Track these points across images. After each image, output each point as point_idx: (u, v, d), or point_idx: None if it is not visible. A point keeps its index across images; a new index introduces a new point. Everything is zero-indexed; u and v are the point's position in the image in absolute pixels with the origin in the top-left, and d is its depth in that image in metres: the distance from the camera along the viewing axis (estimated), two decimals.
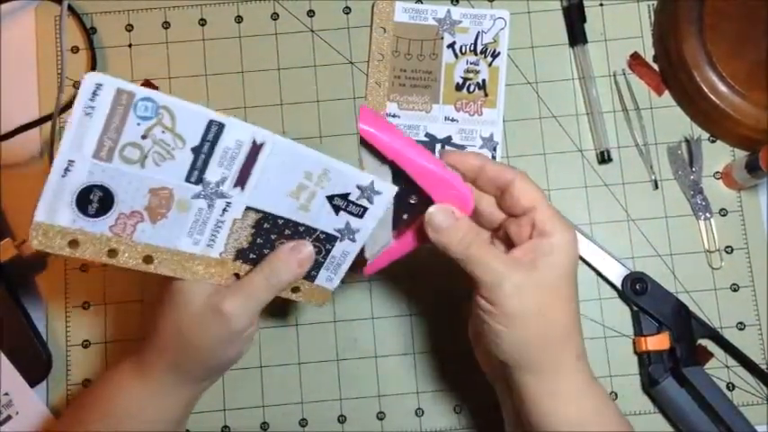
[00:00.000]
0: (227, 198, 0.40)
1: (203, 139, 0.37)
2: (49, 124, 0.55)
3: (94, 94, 0.34)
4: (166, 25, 0.58)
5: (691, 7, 0.55)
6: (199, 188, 0.39)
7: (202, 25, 0.58)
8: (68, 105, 0.56)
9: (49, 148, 0.55)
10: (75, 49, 0.58)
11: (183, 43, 0.58)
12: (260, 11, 0.58)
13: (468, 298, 0.41)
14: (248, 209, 0.41)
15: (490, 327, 0.39)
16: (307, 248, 0.42)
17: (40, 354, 0.53)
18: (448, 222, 0.40)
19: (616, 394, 0.54)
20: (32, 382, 0.53)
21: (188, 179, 0.38)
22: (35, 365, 0.53)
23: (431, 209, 0.40)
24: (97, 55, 0.57)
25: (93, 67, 0.57)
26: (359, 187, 0.41)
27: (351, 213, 0.43)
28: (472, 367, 0.54)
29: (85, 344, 0.55)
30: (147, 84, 0.57)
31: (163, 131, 0.36)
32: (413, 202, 0.42)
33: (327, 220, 0.43)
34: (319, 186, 0.41)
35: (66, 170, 0.36)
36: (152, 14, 0.58)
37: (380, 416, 0.54)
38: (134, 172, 0.37)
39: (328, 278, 0.46)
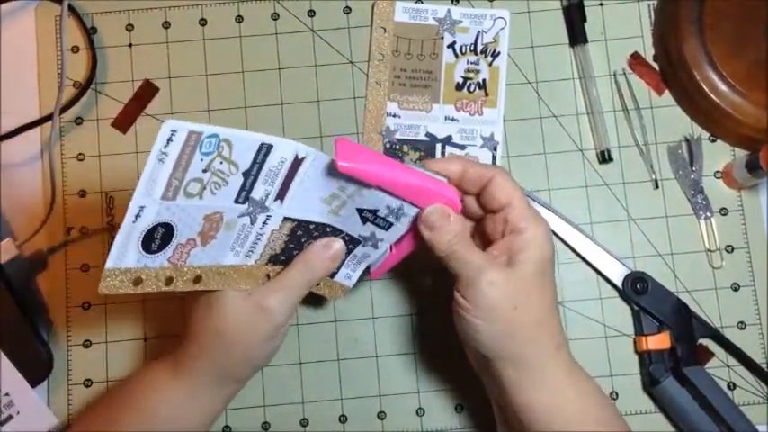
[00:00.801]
0: (269, 212, 0.41)
1: (254, 162, 0.38)
2: (49, 124, 0.55)
3: (169, 140, 0.35)
4: (166, 25, 0.58)
5: (691, 7, 0.55)
6: (245, 207, 0.40)
7: (202, 25, 0.58)
8: (68, 105, 0.56)
9: (49, 148, 0.55)
10: (75, 49, 0.58)
11: (183, 43, 0.58)
12: (260, 11, 0.58)
13: None
14: (285, 219, 0.42)
15: (468, 321, 0.41)
16: (337, 245, 0.45)
17: (41, 354, 0.53)
18: (441, 222, 0.42)
19: (617, 394, 0.54)
20: (33, 382, 0.53)
21: (236, 200, 0.40)
22: (36, 365, 0.53)
23: (428, 209, 0.42)
24: (97, 55, 0.57)
25: (93, 68, 0.56)
26: (388, 207, 0.43)
27: (377, 226, 0.44)
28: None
29: (86, 344, 0.55)
30: (147, 84, 0.57)
31: (221, 162, 0.37)
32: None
33: (354, 227, 0.44)
34: (351, 199, 0.42)
35: (138, 216, 0.36)
36: (152, 14, 0.58)
37: (381, 415, 0.54)
38: (193, 204, 0.38)
39: (347, 275, 0.47)
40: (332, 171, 0.41)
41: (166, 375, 0.45)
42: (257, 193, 0.40)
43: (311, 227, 0.43)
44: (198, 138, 0.36)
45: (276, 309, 0.43)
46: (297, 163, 0.40)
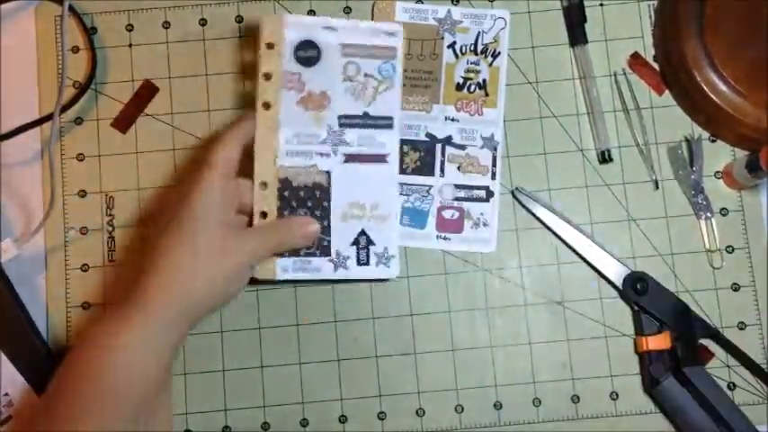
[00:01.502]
0: (333, 153, 0.49)
1: (375, 117, 0.49)
2: (49, 124, 0.55)
3: (390, 33, 0.49)
4: (166, 25, 0.58)
5: (691, 7, 0.55)
6: (337, 130, 0.49)
7: (202, 25, 0.58)
8: (68, 105, 0.56)
9: (49, 148, 0.55)
10: (75, 49, 0.58)
11: (183, 43, 0.58)
12: (260, 11, 0.58)
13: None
14: (327, 173, 0.49)
15: None
16: (315, 226, 0.49)
17: (41, 354, 0.53)
18: None
19: (617, 394, 0.54)
20: (33, 383, 0.53)
21: (340, 119, 0.49)
22: (35, 366, 0.53)
23: None
24: (97, 55, 0.57)
25: (93, 68, 0.56)
26: (385, 248, 0.50)
27: (358, 256, 0.50)
28: (473, 367, 0.54)
29: None
30: (147, 84, 0.57)
31: (373, 87, 0.49)
32: None
33: (341, 240, 0.50)
34: (367, 218, 0.49)
35: (327, 28, 0.49)
36: (152, 14, 0.58)
37: (381, 416, 0.54)
38: (337, 74, 0.49)
39: (285, 268, 0.50)
40: (386, 185, 0.49)
41: (118, 322, 0.43)
42: (349, 135, 0.49)
43: (324, 203, 0.48)
44: (392, 55, 0.49)
45: (243, 251, 0.46)
46: (380, 156, 0.48)
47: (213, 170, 0.46)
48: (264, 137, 0.49)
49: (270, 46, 0.48)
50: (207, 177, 0.46)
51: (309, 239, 0.49)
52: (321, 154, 0.49)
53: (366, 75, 0.49)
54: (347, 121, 0.49)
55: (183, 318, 0.45)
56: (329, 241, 0.49)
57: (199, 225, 0.45)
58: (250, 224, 0.50)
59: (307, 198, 0.49)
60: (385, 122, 0.49)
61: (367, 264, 0.50)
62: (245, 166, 0.50)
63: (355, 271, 0.50)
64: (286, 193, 0.49)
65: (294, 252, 0.50)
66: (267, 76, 0.48)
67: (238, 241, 0.46)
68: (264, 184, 0.49)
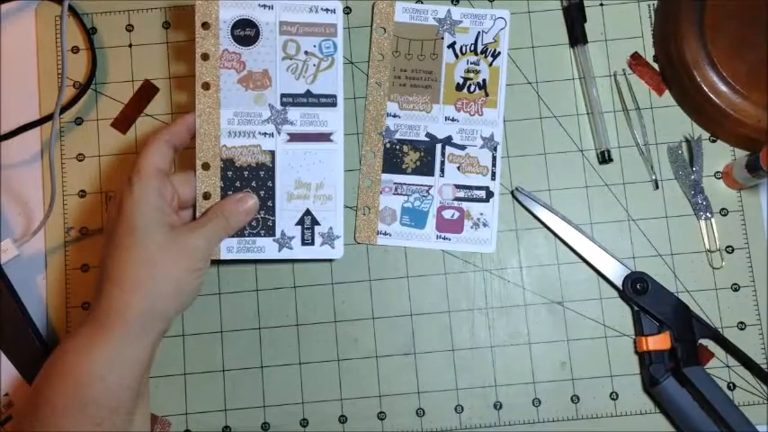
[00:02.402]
0: (276, 133, 0.49)
1: (318, 96, 0.49)
2: (49, 124, 0.55)
3: (329, 10, 0.49)
4: (166, 25, 0.58)
5: (691, 7, 0.55)
6: (280, 108, 0.49)
7: None
8: (68, 105, 0.56)
9: (49, 148, 0.55)
10: (75, 49, 0.58)
11: (182, 43, 0.58)
12: None
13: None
14: (271, 152, 0.49)
15: None
16: (251, 201, 0.49)
17: (41, 354, 0.53)
18: None
19: (617, 394, 0.54)
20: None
21: (282, 97, 0.49)
22: (36, 365, 0.53)
23: None
24: (97, 55, 0.57)
25: (93, 68, 0.56)
26: (330, 228, 0.50)
27: (303, 235, 0.50)
28: (472, 367, 0.54)
29: None
30: (147, 84, 0.57)
31: (314, 66, 0.49)
32: None
33: (287, 222, 0.50)
34: (312, 198, 0.49)
35: (264, 6, 0.48)
36: (152, 14, 0.58)
37: (381, 416, 0.54)
38: (277, 53, 0.49)
39: (230, 248, 0.50)
40: (330, 166, 0.49)
41: (89, 339, 0.44)
42: (292, 114, 0.49)
43: (269, 184, 0.49)
44: (332, 32, 0.49)
45: (197, 247, 0.46)
46: (325, 136, 0.49)
47: (140, 176, 0.46)
48: (205, 117, 0.49)
49: (205, 26, 0.49)
50: (136, 184, 0.45)
51: (251, 213, 0.49)
52: (264, 133, 0.49)
53: (306, 52, 0.49)
54: (290, 100, 0.49)
55: (150, 327, 0.45)
56: (274, 221, 0.49)
57: (142, 234, 0.44)
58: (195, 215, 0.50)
59: (251, 178, 0.49)
60: (328, 101, 0.49)
61: (312, 244, 0.50)
62: (190, 157, 0.50)
63: (300, 251, 0.50)
64: (229, 174, 0.49)
65: (238, 232, 0.50)
66: (205, 57, 0.49)
67: (184, 243, 0.46)
68: (207, 165, 0.48)
